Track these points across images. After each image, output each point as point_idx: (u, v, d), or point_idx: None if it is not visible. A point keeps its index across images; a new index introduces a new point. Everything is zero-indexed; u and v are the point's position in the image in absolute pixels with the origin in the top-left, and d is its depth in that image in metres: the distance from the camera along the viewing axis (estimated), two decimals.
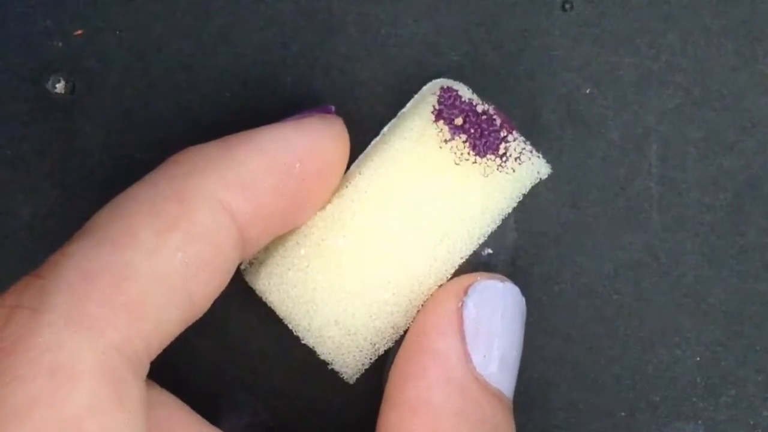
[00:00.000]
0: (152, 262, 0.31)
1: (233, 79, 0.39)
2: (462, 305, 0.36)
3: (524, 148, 0.37)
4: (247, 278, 0.37)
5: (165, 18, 0.39)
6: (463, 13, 0.39)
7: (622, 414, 0.39)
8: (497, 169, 0.37)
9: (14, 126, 0.39)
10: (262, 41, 0.39)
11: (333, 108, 0.37)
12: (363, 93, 0.39)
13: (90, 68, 0.39)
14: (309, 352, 0.38)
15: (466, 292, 0.36)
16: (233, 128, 0.38)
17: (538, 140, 0.38)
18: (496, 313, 0.36)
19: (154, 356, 0.32)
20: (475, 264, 0.38)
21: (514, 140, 0.37)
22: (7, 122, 0.39)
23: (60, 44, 0.39)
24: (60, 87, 0.39)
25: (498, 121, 0.37)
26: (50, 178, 0.39)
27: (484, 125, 0.37)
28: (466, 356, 0.36)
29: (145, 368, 0.31)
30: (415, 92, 0.39)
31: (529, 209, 0.39)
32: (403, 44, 0.39)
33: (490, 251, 0.38)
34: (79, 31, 0.39)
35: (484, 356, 0.36)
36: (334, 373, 0.38)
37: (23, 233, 0.39)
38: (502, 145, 0.37)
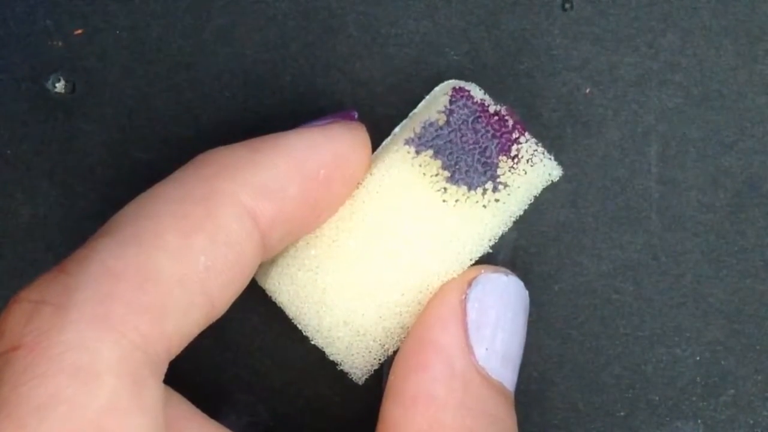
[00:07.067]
0: (176, 264, 0.32)
1: (233, 79, 0.39)
2: (465, 298, 0.36)
3: (536, 150, 0.37)
4: (257, 278, 0.37)
5: (165, 18, 0.39)
6: (463, 13, 0.39)
7: (622, 413, 0.39)
8: (509, 170, 0.36)
9: (14, 126, 0.39)
10: (262, 41, 0.39)
11: (356, 113, 0.37)
12: (363, 93, 0.39)
13: (90, 68, 0.39)
14: (309, 352, 0.38)
15: (469, 285, 0.36)
16: (233, 128, 0.38)
17: (537, 140, 0.38)
18: (500, 305, 0.36)
19: (173, 357, 0.32)
20: (475, 263, 0.38)
21: (526, 142, 0.37)
22: (7, 122, 0.39)
23: (60, 44, 0.39)
24: (60, 87, 0.39)
25: (510, 123, 0.37)
26: (50, 178, 0.39)
27: (496, 126, 0.36)
28: (469, 349, 0.36)
29: (164, 369, 0.31)
30: (415, 92, 0.38)
31: (529, 209, 0.38)
32: (403, 44, 0.39)
33: (489, 251, 0.38)
34: (79, 31, 0.39)
35: (487, 349, 0.36)
36: (334, 373, 0.38)
37: (23, 233, 0.39)
38: (514, 147, 0.36)
